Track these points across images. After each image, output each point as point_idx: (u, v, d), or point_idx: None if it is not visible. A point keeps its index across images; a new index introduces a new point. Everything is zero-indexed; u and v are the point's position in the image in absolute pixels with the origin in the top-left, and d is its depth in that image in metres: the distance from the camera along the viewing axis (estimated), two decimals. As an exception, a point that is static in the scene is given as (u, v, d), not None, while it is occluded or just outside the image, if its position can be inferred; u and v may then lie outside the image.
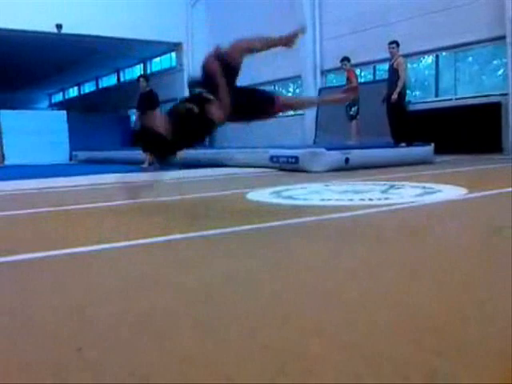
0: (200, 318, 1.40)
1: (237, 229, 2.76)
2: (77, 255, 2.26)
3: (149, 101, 9.25)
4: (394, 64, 8.71)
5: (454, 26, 10.14)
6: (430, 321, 1.33)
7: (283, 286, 1.71)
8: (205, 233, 2.66)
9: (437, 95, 11.21)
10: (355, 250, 2.26)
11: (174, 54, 18.73)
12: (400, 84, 8.45)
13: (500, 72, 10.49)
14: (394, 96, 8.41)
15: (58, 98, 31.48)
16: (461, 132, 9.79)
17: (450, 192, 4.13)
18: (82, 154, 15.25)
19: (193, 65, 17.47)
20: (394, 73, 8.68)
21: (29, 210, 3.88)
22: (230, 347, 1.19)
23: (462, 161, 8.36)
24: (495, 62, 10.77)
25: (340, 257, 2.15)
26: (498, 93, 9.79)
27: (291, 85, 15.37)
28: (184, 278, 1.84)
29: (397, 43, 8.82)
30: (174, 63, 18.89)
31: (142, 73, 21.50)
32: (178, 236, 2.59)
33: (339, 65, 10.26)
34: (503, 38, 9.35)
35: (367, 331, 1.27)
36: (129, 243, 2.46)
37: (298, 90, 14.89)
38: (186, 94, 17.47)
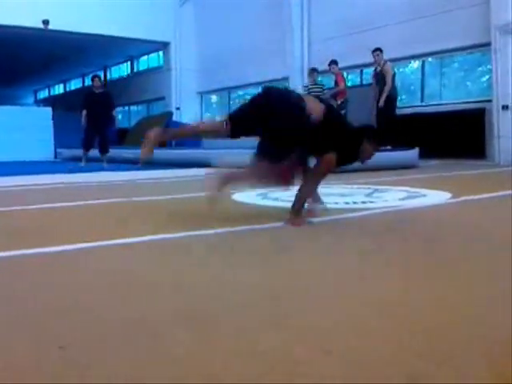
0: (188, 319, 1.41)
1: (221, 230, 2.76)
2: (59, 253, 2.25)
3: (107, 102, 9.25)
4: (383, 71, 8.89)
5: (440, 32, 10.24)
6: (415, 323, 1.35)
7: (270, 287, 1.72)
8: (192, 233, 2.66)
9: (422, 100, 11.31)
10: (341, 253, 2.28)
11: (161, 53, 18.67)
12: (386, 90, 8.67)
13: (485, 79, 10.61)
14: (381, 103, 8.66)
15: (44, 94, 31.19)
16: (445, 137, 9.88)
17: (434, 197, 4.18)
18: (67, 152, 15.10)
19: (180, 64, 17.45)
20: (382, 79, 8.87)
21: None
22: (218, 348, 1.20)
23: (446, 166, 8.44)
24: (480, 68, 10.89)
25: (326, 259, 2.17)
26: (482, 99, 9.90)
27: (280, 86, 15.41)
28: (176, 278, 1.85)
29: (380, 50, 8.96)
30: (161, 62, 18.82)
31: (129, 71, 21.44)
32: (168, 235, 2.59)
33: (327, 67, 10.31)
34: (488, 44, 9.46)
35: (351, 334, 1.29)
36: (116, 242, 2.46)
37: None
38: (172, 93, 17.57)
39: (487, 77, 10.33)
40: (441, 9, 10.22)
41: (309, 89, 9.67)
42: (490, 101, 9.48)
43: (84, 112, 9.26)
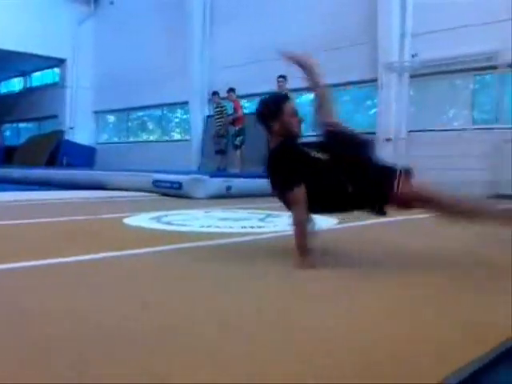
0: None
1: (110, 254, 2.73)
2: None
3: None
4: None
5: (333, 66, 10.83)
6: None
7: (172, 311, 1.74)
8: (78, 258, 2.60)
9: (315, 129, 11.85)
10: (232, 276, 2.34)
11: (57, 70, 18.02)
12: None
13: (372, 112, 11.39)
14: None
15: None
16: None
17: (320, 222, 4.38)
18: None
19: (76, 82, 16.94)
20: None
21: None
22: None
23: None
24: (368, 102, 11.68)
25: (220, 283, 2.22)
26: (369, 131, 10.58)
27: (179, 110, 15.43)
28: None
29: (284, 77, 9.27)
30: (56, 79, 18.16)
31: (21, 86, 20.47)
32: (52, 261, 2.51)
33: (226, 94, 10.54)
34: (375, 80, 10.21)
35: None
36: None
37: (185, 116, 14.96)
38: (67, 111, 16.93)
39: (374, 110, 11.10)
40: (335, 45, 10.84)
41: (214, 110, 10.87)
42: (375, 133, 10.15)
43: None
